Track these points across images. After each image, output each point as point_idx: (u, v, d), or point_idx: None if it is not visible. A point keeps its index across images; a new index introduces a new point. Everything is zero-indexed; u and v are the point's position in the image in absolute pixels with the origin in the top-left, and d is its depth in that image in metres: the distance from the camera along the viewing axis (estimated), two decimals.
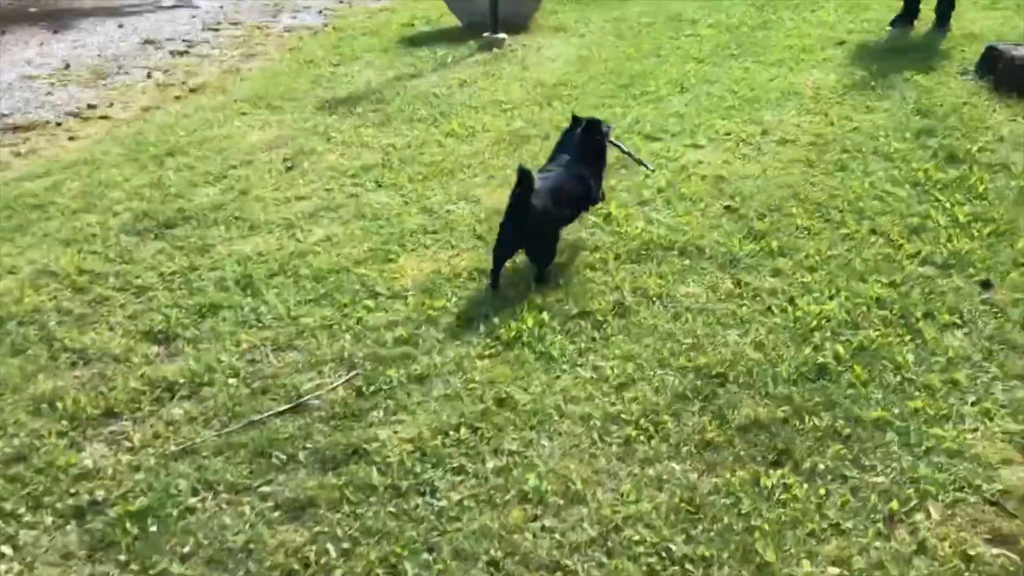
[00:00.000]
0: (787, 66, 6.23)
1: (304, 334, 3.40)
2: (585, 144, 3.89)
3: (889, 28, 7.02)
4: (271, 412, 2.96)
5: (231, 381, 3.14)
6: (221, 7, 9.65)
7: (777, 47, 6.72)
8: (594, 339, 3.27)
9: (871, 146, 4.88)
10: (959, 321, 3.33)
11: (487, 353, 3.19)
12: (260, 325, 3.48)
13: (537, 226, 3.57)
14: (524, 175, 3.47)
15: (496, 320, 3.38)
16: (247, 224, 4.33)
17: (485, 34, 7.36)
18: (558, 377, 3.06)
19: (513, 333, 3.28)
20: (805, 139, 5.00)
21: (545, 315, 3.39)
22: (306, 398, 3.02)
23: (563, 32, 7.67)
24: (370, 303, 3.56)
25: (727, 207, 4.27)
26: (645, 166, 4.49)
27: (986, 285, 3.57)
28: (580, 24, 7.89)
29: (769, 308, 3.44)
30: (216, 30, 8.68)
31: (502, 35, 7.32)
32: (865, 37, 6.88)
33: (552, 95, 5.96)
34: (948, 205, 4.22)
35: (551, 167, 3.86)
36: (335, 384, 3.08)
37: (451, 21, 8.23)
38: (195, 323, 3.51)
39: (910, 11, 7.02)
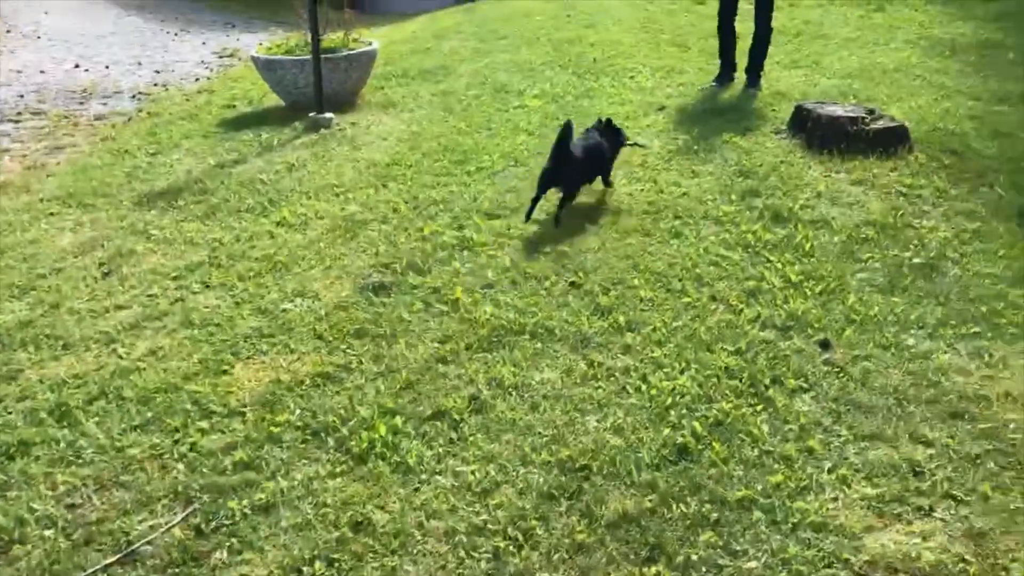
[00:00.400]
0: None
1: (131, 467, 3.06)
2: (607, 133, 5.31)
3: (713, 84, 7.36)
4: (97, 567, 2.62)
5: (47, 533, 2.77)
6: (21, 95, 9.00)
7: (602, 115, 6.88)
8: (452, 441, 3.11)
9: (701, 211, 5.02)
10: (805, 385, 3.41)
11: (338, 470, 2.98)
12: (80, 461, 3.11)
13: (571, 168, 4.91)
14: (566, 128, 4.86)
15: (345, 431, 3.17)
16: (60, 342, 3.93)
17: (311, 114, 7.18)
18: (417, 489, 2.88)
19: (365, 444, 3.08)
20: (638, 208, 5.09)
21: (398, 419, 3.21)
22: (137, 545, 2.70)
23: (392, 108, 7.60)
24: (204, 424, 3.26)
25: (572, 283, 4.24)
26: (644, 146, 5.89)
27: (825, 345, 3.68)
28: (408, 99, 7.85)
29: (624, 388, 3.40)
30: (17, 121, 8.06)
31: (329, 114, 7.16)
32: (683, 101, 7.17)
33: (386, 175, 5.83)
34: (779, 265, 4.37)
35: (586, 137, 5.23)
36: (170, 524, 2.77)
37: (274, 101, 8.01)
38: (1, 467, 3.10)
39: (727, 67, 7.44)
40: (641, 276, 4.29)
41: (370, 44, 8.03)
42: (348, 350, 3.72)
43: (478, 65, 9.04)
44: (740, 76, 7.44)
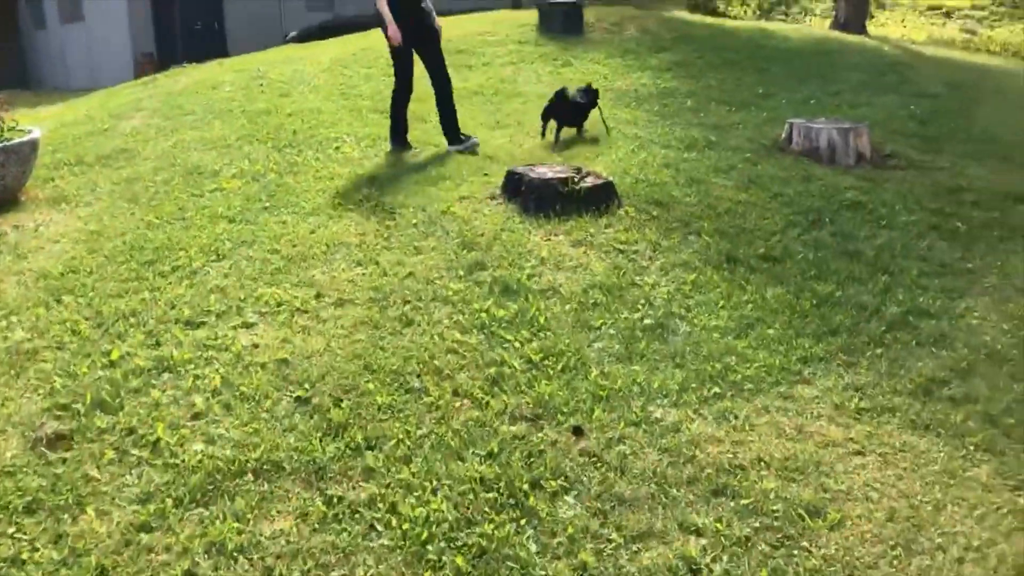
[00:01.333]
0: (326, 213, 5.92)
1: None
2: (586, 94, 7.73)
3: (397, 150, 7.25)
4: None
5: None
6: None
7: (310, 192, 6.42)
8: None
9: (430, 291, 4.71)
10: (565, 483, 3.16)
11: None
12: None
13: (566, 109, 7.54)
14: (561, 90, 7.60)
15: None
16: None
17: None
18: None
19: None
20: (363, 296, 4.68)
21: None
22: None
23: (65, 204, 6.61)
24: None
25: (297, 398, 3.73)
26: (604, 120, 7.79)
27: (578, 432, 3.47)
28: (85, 191, 6.88)
29: (372, 526, 2.95)
30: None
31: None
32: (393, 171, 6.89)
33: (60, 288, 4.95)
34: (518, 345, 4.15)
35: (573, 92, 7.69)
36: None
37: None
38: None
39: (398, 130, 7.38)
40: (375, 378, 3.87)
41: (30, 131, 6.98)
42: (17, 534, 2.94)
43: (166, 145, 8.21)
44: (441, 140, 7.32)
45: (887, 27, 19.92)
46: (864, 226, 5.89)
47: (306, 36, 17.66)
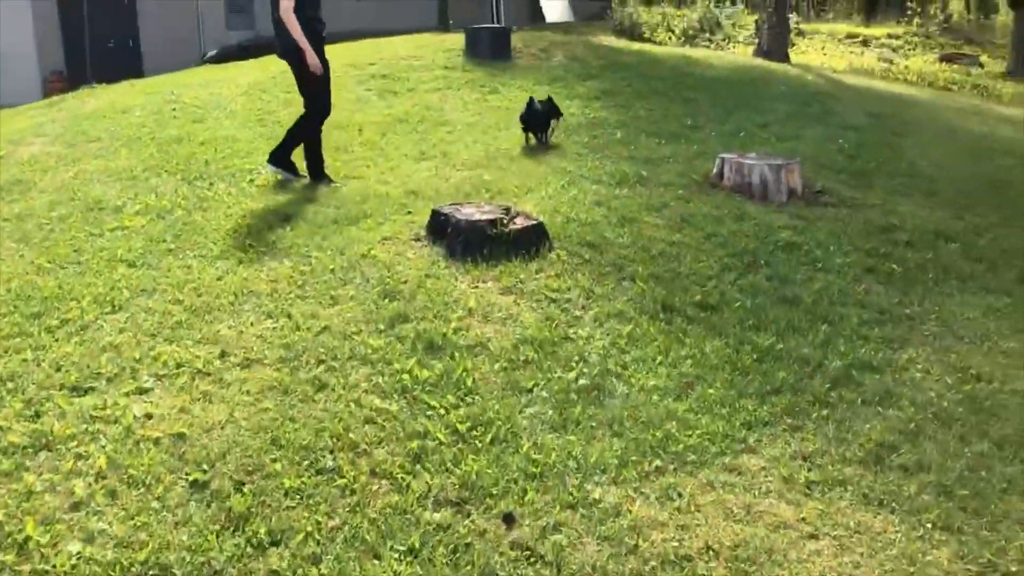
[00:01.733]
0: (235, 257, 5.48)
1: None
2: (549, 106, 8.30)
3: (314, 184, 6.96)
4: None
5: None
6: None
7: (220, 232, 5.97)
8: None
9: (347, 349, 4.33)
10: None
11: None
12: None
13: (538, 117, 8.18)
14: (531, 100, 8.24)
15: None
16: None
17: None
18: None
19: None
20: (273, 354, 4.27)
21: None
22: None
23: None
24: None
25: (193, 482, 3.31)
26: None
27: (508, 520, 3.14)
28: None
29: None
30: None
31: None
32: (310, 207, 6.48)
33: None
34: (443, 412, 3.81)
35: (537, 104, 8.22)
36: None
37: None
38: None
39: (316, 162, 7.14)
40: (283, 455, 3.48)
41: None
42: None
43: (66, 176, 7.64)
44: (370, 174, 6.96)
45: (808, 55, 20.24)
46: (800, 268, 5.73)
47: (225, 56, 17.07)
